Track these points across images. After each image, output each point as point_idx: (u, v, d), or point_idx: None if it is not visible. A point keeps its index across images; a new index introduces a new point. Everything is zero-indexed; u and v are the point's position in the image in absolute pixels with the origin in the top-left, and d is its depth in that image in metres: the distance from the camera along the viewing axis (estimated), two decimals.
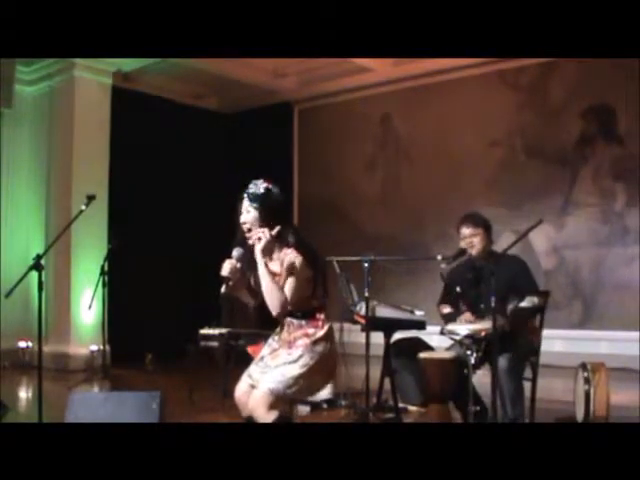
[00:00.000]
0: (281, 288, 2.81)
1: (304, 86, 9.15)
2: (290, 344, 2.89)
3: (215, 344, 5.49)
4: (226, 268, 2.82)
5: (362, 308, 4.24)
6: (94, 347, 7.20)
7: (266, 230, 2.82)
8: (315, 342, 2.86)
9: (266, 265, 2.82)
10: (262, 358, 2.97)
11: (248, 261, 2.87)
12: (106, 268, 6.47)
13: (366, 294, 4.10)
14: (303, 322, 2.90)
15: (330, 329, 2.93)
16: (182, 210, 8.67)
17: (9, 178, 7.80)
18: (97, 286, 6.43)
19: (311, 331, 2.89)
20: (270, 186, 2.87)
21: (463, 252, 4.05)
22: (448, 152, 8.10)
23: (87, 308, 6.58)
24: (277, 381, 2.79)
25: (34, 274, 3.34)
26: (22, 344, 7.55)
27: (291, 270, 2.80)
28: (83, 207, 3.88)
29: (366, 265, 4.09)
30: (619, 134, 7.08)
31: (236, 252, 2.86)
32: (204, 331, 5.61)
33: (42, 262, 3.37)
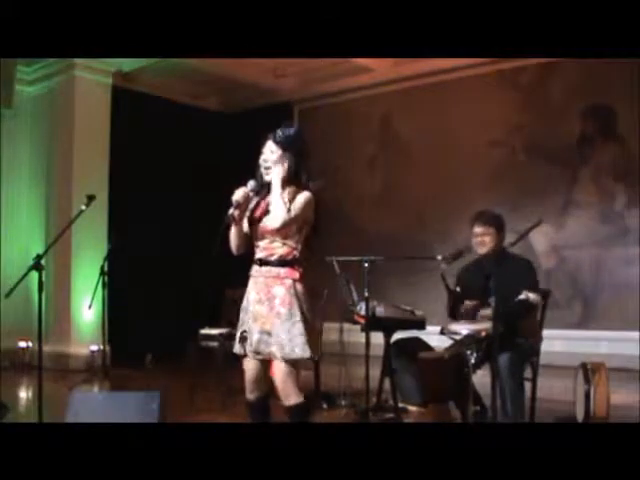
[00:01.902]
0: (288, 208, 2.89)
1: (304, 86, 9.14)
2: (271, 300, 2.90)
3: (215, 344, 5.49)
4: (239, 193, 2.93)
5: (362, 308, 4.24)
6: (94, 347, 7.20)
7: (286, 164, 2.95)
8: (294, 288, 2.89)
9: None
10: (257, 328, 2.92)
11: (259, 195, 2.99)
12: (106, 268, 6.47)
13: (366, 294, 4.10)
14: (281, 271, 2.92)
15: (304, 285, 2.94)
16: (182, 210, 8.67)
17: (9, 178, 7.79)
18: (97, 286, 6.42)
19: (288, 282, 2.90)
20: (299, 130, 3.07)
21: (463, 252, 4.05)
22: (448, 152, 8.09)
23: (87, 308, 6.58)
24: (290, 346, 2.81)
25: (34, 274, 3.34)
26: (22, 344, 7.55)
27: (303, 201, 2.90)
28: (83, 207, 3.87)
29: (366, 265, 4.09)
30: (619, 134, 7.08)
31: (251, 183, 2.99)
32: (204, 331, 5.61)
33: (42, 262, 3.37)
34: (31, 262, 3.34)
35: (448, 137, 8.09)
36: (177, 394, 5.24)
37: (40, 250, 3.97)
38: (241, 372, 3.06)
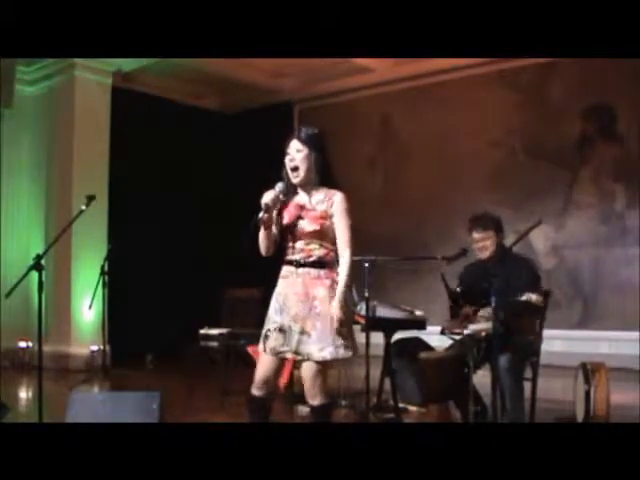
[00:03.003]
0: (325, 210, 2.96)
1: (304, 86, 9.14)
2: (312, 301, 2.88)
3: (215, 344, 5.48)
4: (269, 195, 2.91)
5: (362, 308, 4.23)
6: (94, 347, 7.20)
7: (315, 162, 2.96)
8: (333, 288, 2.88)
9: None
10: (297, 329, 2.89)
11: (287, 197, 2.99)
12: (106, 268, 6.47)
13: (366, 294, 4.10)
14: (322, 272, 2.92)
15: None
16: (182, 210, 8.67)
17: (9, 178, 7.78)
18: (97, 286, 6.42)
19: (327, 282, 2.91)
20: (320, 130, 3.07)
21: (464, 252, 4.04)
22: (448, 152, 8.09)
23: (87, 308, 6.58)
24: (332, 347, 2.82)
25: (34, 274, 3.34)
26: (22, 344, 7.55)
27: (344, 209, 2.98)
28: (83, 207, 3.87)
29: (366, 265, 4.09)
30: (619, 134, 7.08)
31: (279, 185, 2.97)
32: (204, 331, 5.61)
33: (42, 262, 3.37)
34: (31, 262, 3.34)
35: (448, 137, 8.09)
36: (177, 394, 5.24)
37: (40, 250, 3.97)
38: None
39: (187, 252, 8.41)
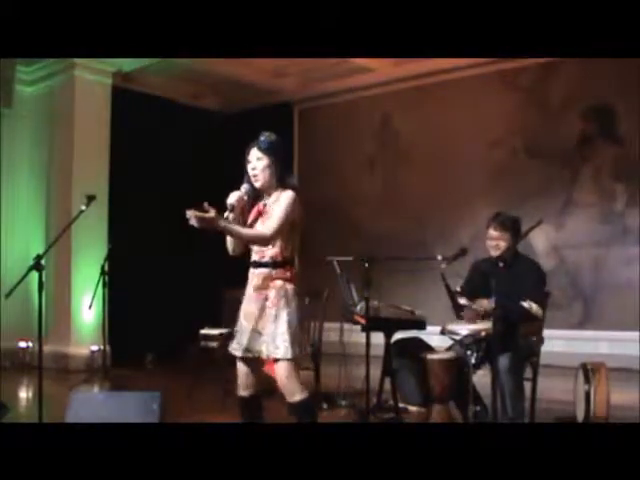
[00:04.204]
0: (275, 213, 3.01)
1: (304, 86, 9.14)
2: (263, 300, 2.99)
3: (215, 344, 5.48)
4: (233, 196, 3.02)
5: (362, 308, 4.23)
6: (94, 347, 7.20)
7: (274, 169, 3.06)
8: (283, 288, 2.97)
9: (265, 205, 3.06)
10: (249, 327, 3.01)
11: (251, 200, 3.10)
12: (106, 268, 6.47)
13: (366, 294, 4.10)
14: (273, 272, 3.01)
15: (295, 285, 3.02)
16: (182, 210, 8.64)
17: (9, 178, 7.78)
18: (97, 286, 6.42)
19: (279, 282, 2.99)
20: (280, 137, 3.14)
21: (464, 252, 4.04)
22: (448, 152, 8.09)
23: (87, 308, 6.58)
24: (286, 343, 2.90)
25: (34, 274, 3.34)
26: (22, 344, 7.54)
27: (287, 201, 2.98)
28: (83, 207, 3.87)
29: (366, 265, 4.09)
30: (619, 134, 7.08)
31: (244, 187, 3.08)
32: (204, 331, 5.61)
33: (42, 262, 3.37)
34: (31, 262, 3.34)
35: (448, 137, 8.09)
36: (177, 394, 5.24)
37: (40, 250, 3.97)
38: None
39: (187, 252, 8.40)
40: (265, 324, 2.97)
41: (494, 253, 4.01)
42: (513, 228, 4.02)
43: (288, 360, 2.92)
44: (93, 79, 7.69)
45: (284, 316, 2.94)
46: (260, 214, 3.07)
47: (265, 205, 3.08)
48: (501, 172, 7.69)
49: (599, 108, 7.15)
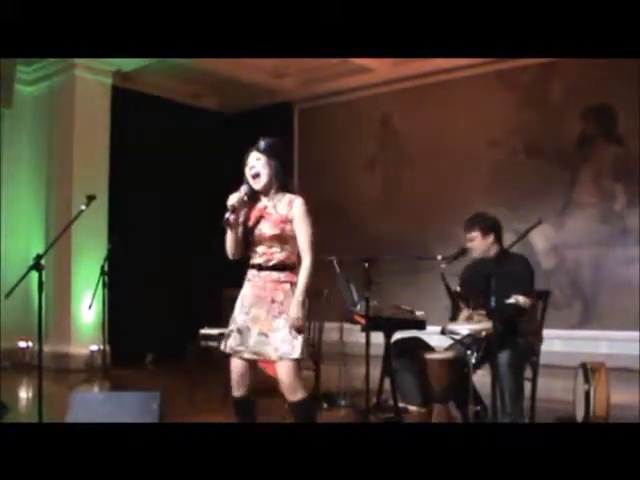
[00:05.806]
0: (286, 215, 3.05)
1: (304, 86, 9.14)
2: (270, 303, 3.00)
3: (215, 344, 5.48)
4: (234, 197, 3.03)
5: (362, 308, 4.23)
6: (94, 347, 7.20)
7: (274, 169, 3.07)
8: (291, 291, 2.99)
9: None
10: (248, 328, 3.02)
11: (251, 201, 3.09)
12: (106, 268, 6.47)
13: (366, 294, 4.10)
14: (282, 276, 3.03)
15: None
16: (182, 210, 8.67)
17: (9, 178, 7.78)
18: (97, 286, 6.42)
19: (287, 286, 3.01)
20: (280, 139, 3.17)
21: (463, 252, 4.05)
22: (448, 152, 8.09)
23: (87, 308, 6.58)
24: (292, 344, 2.92)
25: (34, 274, 3.34)
26: (22, 344, 7.55)
27: (303, 213, 3.03)
28: (83, 207, 3.87)
29: (366, 265, 4.09)
30: (619, 134, 7.08)
31: (244, 188, 3.08)
32: (204, 331, 5.60)
33: (42, 262, 3.37)
34: (31, 262, 3.34)
35: (448, 137, 8.09)
36: (177, 394, 5.24)
37: (40, 250, 3.97)
38: None
39: (187, 252, 8.40)
40: (273, 327, 2.97)
41: (475, 254, 4.06)
42: (481, 227, 4.01)
43: (292, 360, 2.93)
44: (93, 79, 7.69)
45: (294, 319, 2.97)
46: (262, 217, 3.07)
47: (266, 208, 3.08)
48: (501, 172, 7.69)
49: (599, 108, 7.15)
